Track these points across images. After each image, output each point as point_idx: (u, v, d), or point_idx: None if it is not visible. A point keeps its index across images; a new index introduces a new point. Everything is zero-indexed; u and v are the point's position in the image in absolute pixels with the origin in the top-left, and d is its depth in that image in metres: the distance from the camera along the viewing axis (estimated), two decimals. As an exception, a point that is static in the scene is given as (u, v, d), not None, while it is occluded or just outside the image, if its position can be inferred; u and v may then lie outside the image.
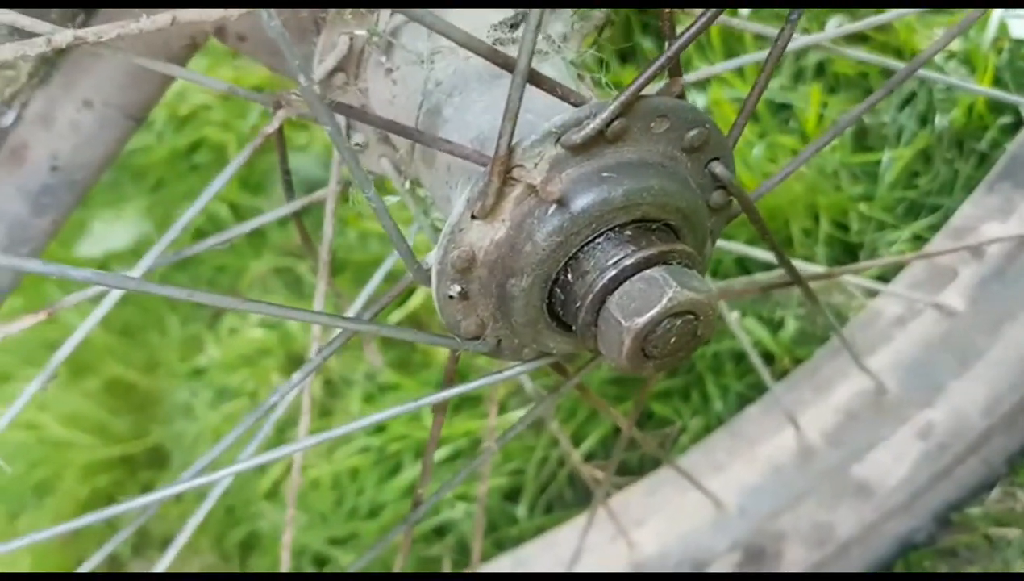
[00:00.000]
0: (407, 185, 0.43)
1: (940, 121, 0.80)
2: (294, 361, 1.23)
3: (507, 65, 0.31)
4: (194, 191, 1.40)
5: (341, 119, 0.43)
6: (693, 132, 0.35)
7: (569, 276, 0.35)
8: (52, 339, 1.24)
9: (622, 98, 0.32)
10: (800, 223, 0.82)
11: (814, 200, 0.81)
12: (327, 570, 1.02)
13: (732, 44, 0.92)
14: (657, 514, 0.74)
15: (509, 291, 0.35)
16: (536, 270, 0.34)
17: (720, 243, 0.72)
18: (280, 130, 0.41)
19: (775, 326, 0.81)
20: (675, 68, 0.34)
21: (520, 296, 0.35)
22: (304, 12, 0.40)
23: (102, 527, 1.36)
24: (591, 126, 0.32)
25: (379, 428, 1.07)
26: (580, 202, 0.33)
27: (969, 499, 0.74)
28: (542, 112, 0.34)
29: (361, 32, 0.40)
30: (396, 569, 0.64)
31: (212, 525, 1.17)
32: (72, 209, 0.52)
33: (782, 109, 0.88)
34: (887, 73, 0.82)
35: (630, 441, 0.74)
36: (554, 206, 0.33)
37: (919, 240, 0.79)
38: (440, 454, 0.98)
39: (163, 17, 0.36)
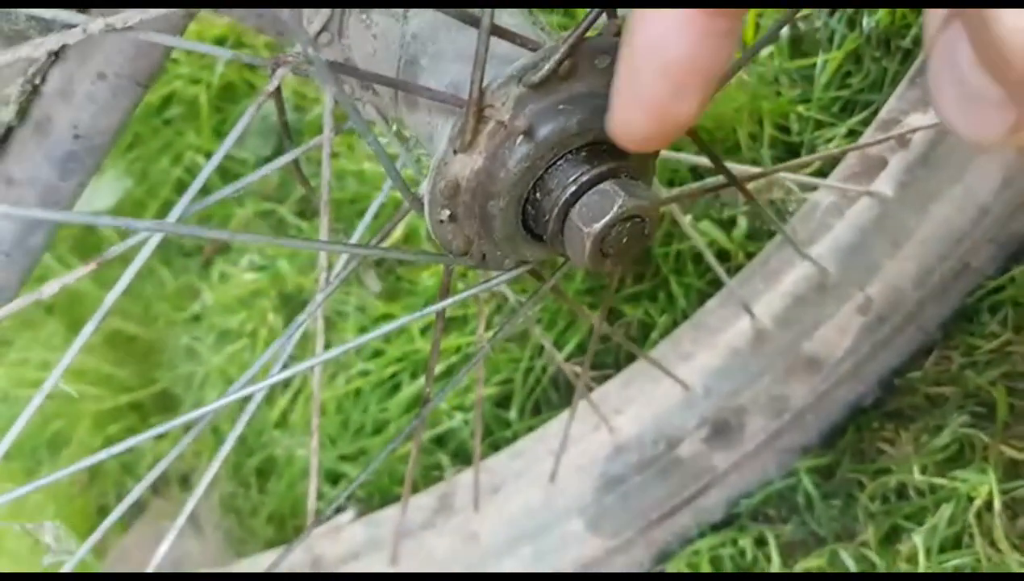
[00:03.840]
0: (393, 127, 0.49)
1: (867, 23, 0.87)
2: (287, 300, 1.29)
3: (473, 22, 0.38)
4: (169, 145, 1.44)
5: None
6: (631, 65, 0.42)
7: (538, 194, 0.42)
8: (45, 303, 1.30)
9: (569, 40, 0.39)
10: (746, 129, 0.89)
11: (758, 106, 0.88)
12: (341, 484, 1.10)
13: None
14: (633, 402, 0.83)
15: (489, 211, 0.43)
16: (510, 192, 0.42)
17: (673, 154, 0.79)
18: (278, 88, 0.48)
19: (728, 225, 0.89)
20: (611, 12, 0.41)
21: (499, 215, 0.43)
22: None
23: (119, 471, 1.44)
24: (545, 68, 0.39)
25: (376, 353, 1.15)
26: (542, 132, 0.41)
27: (909, 364, 0.83)
28: (505, 57, 0.41)
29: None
30: (407, 472, 0.72)
31: (228, 456, 1.25)
32: (95, 170, 0.58)
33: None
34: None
35: (604, 337, 0.82)
36: (521, 137, 0.40)
37: (854, 134, 0.86)
38: (439, 369, 1.06)
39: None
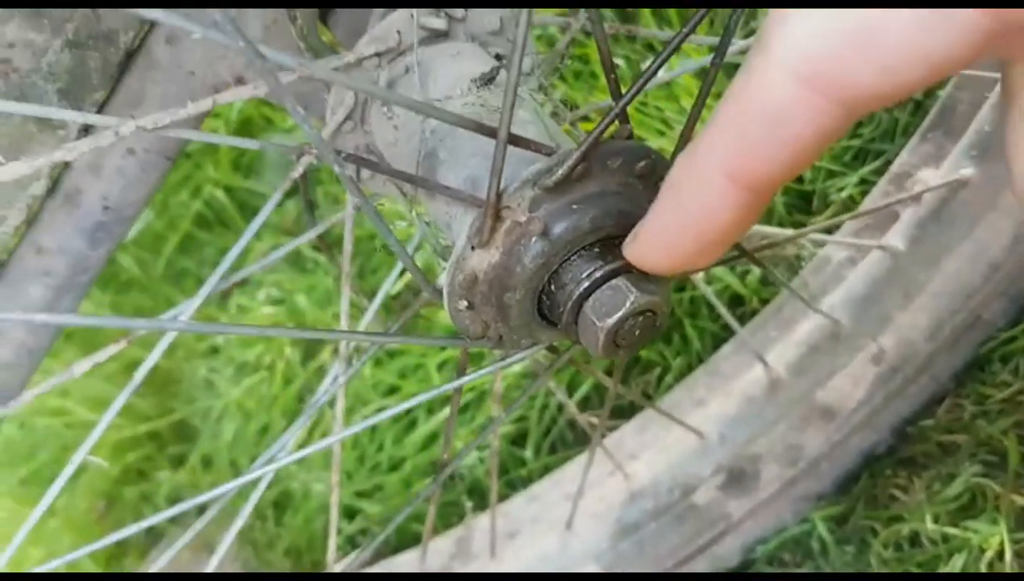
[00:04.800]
0: (412, 212, 0.51)
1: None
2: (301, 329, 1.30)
3: (491, 133, 0.39)
4: (189, 178, 1.46)
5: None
6: (642, 163, 0.43)
7: (552, 287, 0.43)
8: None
9: (583, 148, 0.40)
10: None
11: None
12: (357, 520, 1.12)
13: (689, 13, 0.99)
14: (648, 448, 0.84)
15: (506, 302, 0.44)
16: (526, 285, 0.43)
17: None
18: (304, 173, 0.50)
19: (742, 273, 0.90)
20: (623, 117, 0.42)
21: (515, 305, 0.44)
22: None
23: (136, 499, 1.46)
24: (560, 172, 0.41)
25: (392, 389, 1.17)
26: (556, 230, 0.42)
27: (922, 413, 0.83)
28: (521, 157, 0.43)
29: (364, 88, 0.48)
30: (427, 521, 0.74)
31: (247, 489, 1.27)
32: (123, 238, 0.60)
33: (733, 66, 0.95)
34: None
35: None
36: (536, 236, 0.42)
37: (866, 183, 0.87)
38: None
39: (205, 103, 0.44)
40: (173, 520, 1.37)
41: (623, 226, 0.43)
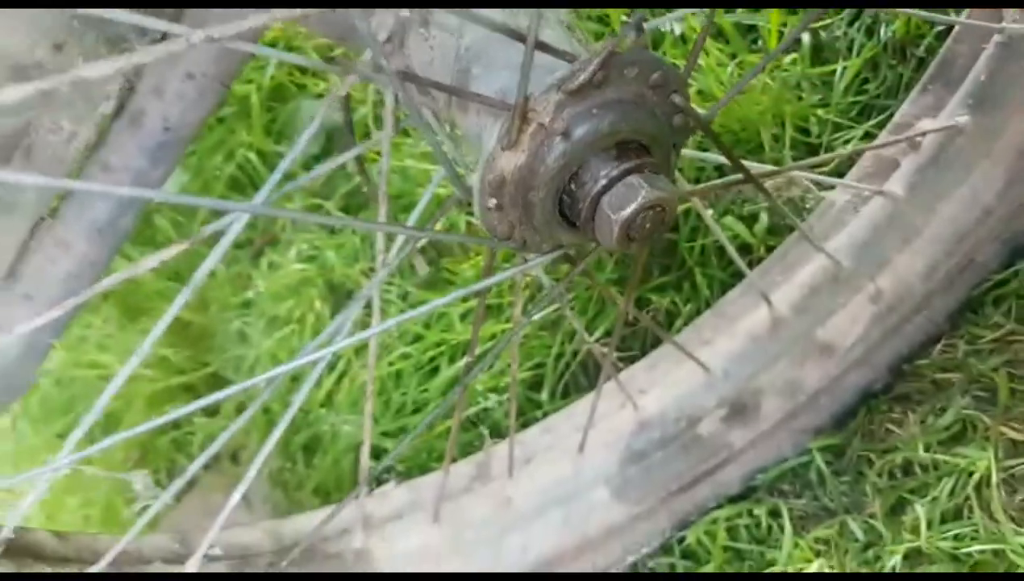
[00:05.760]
0: (446, 128, 0.56)
1: (884, 32, 0.92)
2: (333, 289, 1.36)
3: (521, 38, 0.45)
4: (223, 143, 1.52)
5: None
6: (656, 74, 0.48)
7: (572, 186, 0.49)
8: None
9: (603, 56, 0.46)
10: (769, 130, 0.95)
11: (780, 109, 0.94)
12: (383, 459, 1.18)
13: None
14: (657, 383, 0.89)
15: (530, 200, 0.50)
16: (549, 184, 0.49)
17: (699, 154, 0.85)
18: (347, 93, 0.55)
19: (750, 221, 0.95)
20: (639, 28, 0.47)
21: (539, 204, 0.50)
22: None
23: (170, 447, 1.52)
24: (581, 78, 0.46)
25: (417, 337, 1.22)
26: (577, 132, 0.47)
27: (917, 352, 0.88)
28: (547, 67, 0.48)
29: (405, 12, 0.53)
30: (450, 438, 0.79)
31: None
32: (179, 159, 0.66)
33: (750, 30, 1.00)
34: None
35: (629, 323, 0.88)
36: (559, 137, 0.47)
37: (870, 136, 0.92)
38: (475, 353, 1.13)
39: (263, 16, 0.49)
40: (206, 466, 1.43)
41: (636, 132, 0.49)
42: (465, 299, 1.26)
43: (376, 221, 0.54)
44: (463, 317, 1.21)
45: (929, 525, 0.80)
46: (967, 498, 0.79)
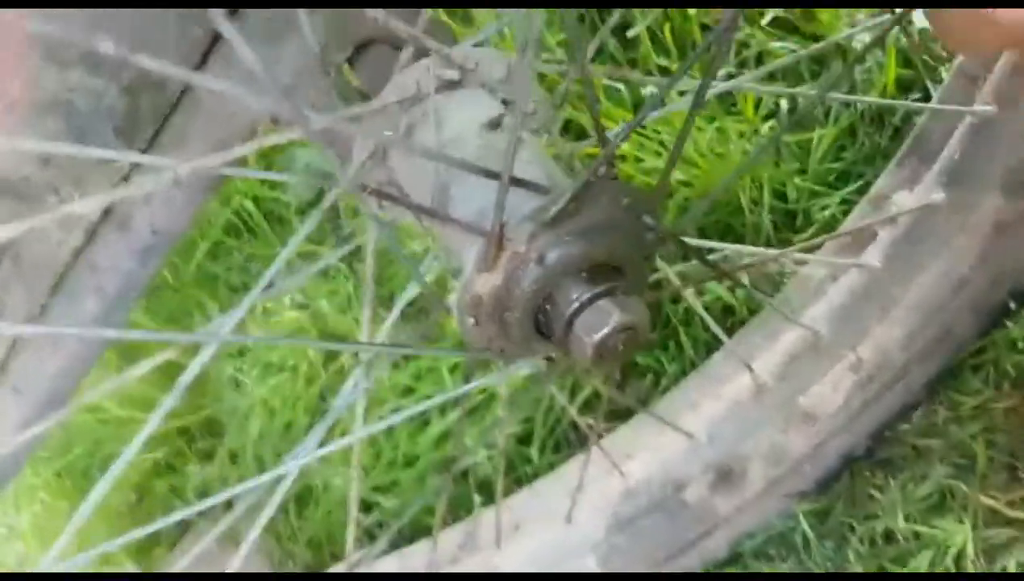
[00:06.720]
0: (428, 239, 0.58)
1: (860, 104, 0.94)
2: (325, 336, 1.38)
3: (495, 176, 0.46)
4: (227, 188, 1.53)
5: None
6: (626, 200, 0.50)
7: (548, 307, 0.50)
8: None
9: (574, 190, 0.47)
10: (748, 195, 0.97)
11: (758, 175, 0.96)
12: (373, 514, 1.19)
13: (683, 36, 1.06)
14: (642, 449, 0.90)
15: (507, 319, 0.51)
16: (524, 305, 0.50)
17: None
18: (334, 203, 0.57)
19: (731, 285, 0.96)
20: (611, 160, 0.49)
21: (515, 323, 0.51)
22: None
23: (166, 492, 1.53)
24: (554, 209, 0.48)
25: (408, 390, 1.24)
26: (551, 258, 0.49)
27: (898, 418, 0.90)
28: (523, 194, 0.50)
29: (388, 134, 0.55)
30: (438, 512, 0.81)
31: (272, 484, 1.35)
32: (167, 256, 0.68)
33: (727, 95, 1.02)
34: (816, 60, 0.96)
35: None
36: (533, 263, 0.49)
37: (847, 203, 0.94)
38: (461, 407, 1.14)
39: (251, 145, 0.51)
40: (201, 513, 1.44)
41: (608, 255, 0.50)
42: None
43: (360, 342, 0.55)
44: (452, 370, 1.23)
45: (908, 596, 0.81)
46: (946, 569, 0.80)
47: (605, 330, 0.48)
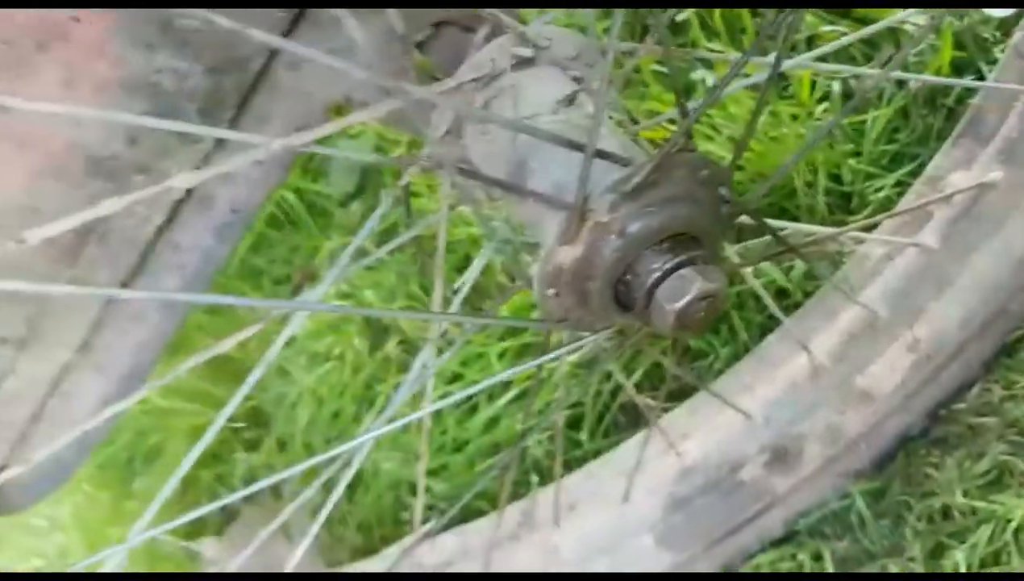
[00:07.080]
0: (503, 214, 0.59)
1: (914, 82, 0.94)
2: (371, 326, 1.39)
3: (579, 148, 0.48)
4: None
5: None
6: (703, 172, 0.51)
7: (628, 277, 0.52)
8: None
9: (655, 161, 0.48)
10: (802, 178, 0.97)
11: (812, 157, 0.96)
12: (424, 497, 1.20)
13: (732, 20, 1.06)
14: (699, 429, 0.91)
15: (587, 289, 0.52)
16: (605, 275, 0.51)
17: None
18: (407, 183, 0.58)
19: (787, 268, 0.97)
20: (689, 133, 0.50)
21: (595, 293, 0.52)
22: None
23: (212, 480, 1.56)
24: (635, 180, 0.49)
25: (455, 376, 1.25)
26: (632, 229, 0.50)
27: (954, 397, 0.90)
28: (601, 167, 0.51)
29: (464, 107, 0.56)
30: (501, 493, 0.82)
31: (318, 468, 1.37)
32: (244, 234, 0.69)
33: (781, 78, 1.02)
34: (867, 43, 0.96)
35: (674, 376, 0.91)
36: (615, 234, 0.50)
37: (901, 185, 0.94)
38: (513, 393, 1.16)
39: (334, 124, 0.53)
40: (248, 499, 1.46)
41: (687, 226, 0.52)
42: (502, 338, 1.29)
43: (431, 311, 0.57)
44: (500, 356, 1.24)
45: (968, 570, 0.81)
46: (1006, 544, 0.80)
47: (688, 297, 0.49)
